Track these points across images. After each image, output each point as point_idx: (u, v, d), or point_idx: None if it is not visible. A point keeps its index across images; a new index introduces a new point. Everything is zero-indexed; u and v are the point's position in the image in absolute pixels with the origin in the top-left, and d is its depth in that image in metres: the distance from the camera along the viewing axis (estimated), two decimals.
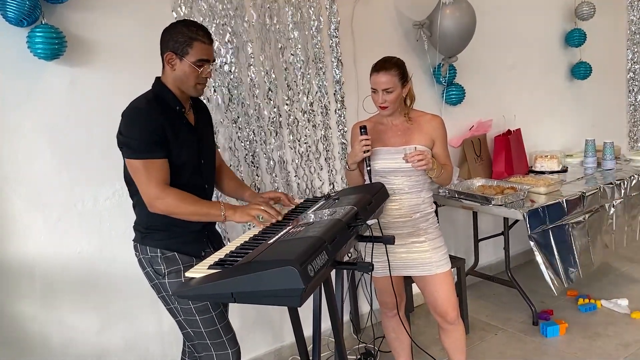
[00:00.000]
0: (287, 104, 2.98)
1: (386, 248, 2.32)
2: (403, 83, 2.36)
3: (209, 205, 2.01)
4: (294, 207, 2.24)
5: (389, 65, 2.33)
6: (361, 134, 2.35)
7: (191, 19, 2.56)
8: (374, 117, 2.53)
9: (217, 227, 2.32)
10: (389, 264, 2.32)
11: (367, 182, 2.40)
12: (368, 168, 2.37)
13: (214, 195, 2.28)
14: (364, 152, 2.33)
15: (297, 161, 3.06)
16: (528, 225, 3.08)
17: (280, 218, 1.99)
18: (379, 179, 2.41)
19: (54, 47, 2.22)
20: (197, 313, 2.01)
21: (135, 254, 2.11)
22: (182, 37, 1.94)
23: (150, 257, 2.04)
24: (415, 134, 2.42)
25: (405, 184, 2.41)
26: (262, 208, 1.99)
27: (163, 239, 2.04)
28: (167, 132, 1.95)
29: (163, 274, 2.03)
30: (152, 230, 2.05)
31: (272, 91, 2.90)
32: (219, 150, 2.63)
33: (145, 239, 2.06)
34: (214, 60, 2.08)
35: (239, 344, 2.10)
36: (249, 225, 2.76)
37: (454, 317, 2.47)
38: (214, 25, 2.67)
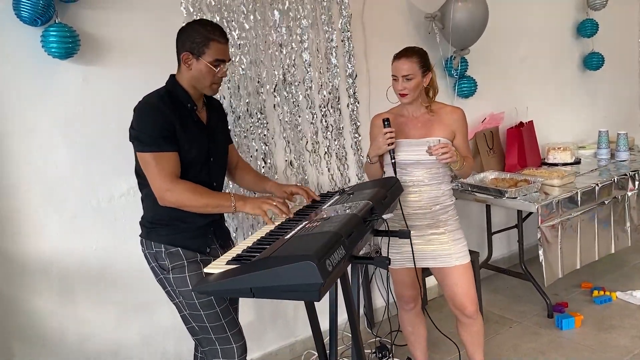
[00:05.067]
0: (297, 99, 2.98)
1: (411, 239, 2.30)
2: (424, 72, 2.35)
3: (219, 196, 2.03)
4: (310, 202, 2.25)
5: (411, 52, 2.35)
6: (385, 127, 2.34)
7: (199, 14, 2.57)
8: (394, 108, 2.52)
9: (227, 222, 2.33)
10: (413, 256, 2.32)
11: (392, 174, 2.38)
12: (393, 161, 2.36)
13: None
14: (388, 145, 2.33)
15: (309, 156, 3.06)
16: (539, 217, 3.07)
17: (291, 216, 1.99)
18: (399, 171, 2.40)
19: (68, 45, 2.23)
20: (202, 308, 2.02)
21: (142, 249, 2.12)
22: (199, 37, 1.95)
23: (155, 252, 2.06)
24: (435, 125, 2.41)
25: (425, 176, 2.40)
26: (274, 204, 1.99)
27: (167, 234, 2.05)
28: (177, 129, 1.96)
29: (167, 269, 2.04)
30: (156, 225, 2.07)
31: (282, 86, 2.90)
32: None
33: (150, 234, 2.08)
34: (230, 60, 2.09)
35: (244, 338, 2.11)
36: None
37: (473, 311, 2.46)
38: (225, 20, 2.67)
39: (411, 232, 2.23)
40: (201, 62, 1.97)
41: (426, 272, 2.73)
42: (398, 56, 2.36)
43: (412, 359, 2.79)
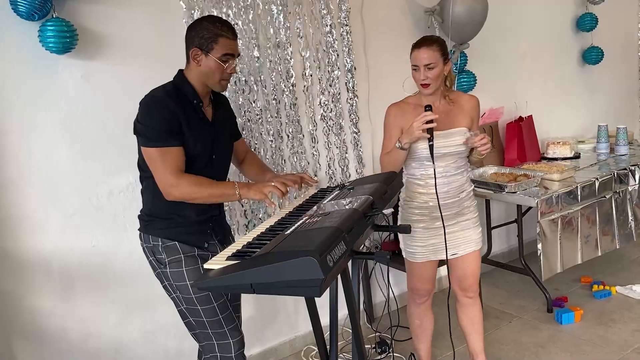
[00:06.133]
0: (296, 94, 2.97)
1: (445, 230, 2.36)
2: (444, 60, 2.33)
3: (223, 185, 2.05)
4: (312, 187, 2.27)
5: (430, 41, 2.32)
6: (425, 110, 2.24)
7: (198, 9, 2.56)
8: (411, 98, 2.47)
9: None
10: (446, 247, 2.38)
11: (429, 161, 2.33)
12: (430, 143, 2.27)
13: None
14: (423, 131, 2.21)
15: (309, 151, 3.06)
16: (539, 212, 3.08)
17: (286, 193, 2.02)
18: (426, 164, 2.37)
19: (66, 40, 2.22)
20: (199, 303, 2.02)
21: (140, 243, 2.13)
22: (208, 33, 1.96)
23: (153, 245, 2.06)
24: (457, 115, 2.41)
25: (451, 166, 2.41)
26: (273, 184, 2.01)
27: (164, 228, 2.06)
28: (182, 124, 1.97)
29: (164, 263, 2.05)
30: (154, 219, 2.07)
31: (281, 80, 2.90)
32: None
33: (148, 228, 2.09)
34: (239, 55, 2.09)
35: (242, 333, 2.11)
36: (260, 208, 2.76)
37: (476, 289, 2.56)
38: (223, 15, 2.66)
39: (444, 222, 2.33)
40: (210, 58, 1.98)
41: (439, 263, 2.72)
42: (418, 45, 2.32)
43: (415, 353, 2.78)
